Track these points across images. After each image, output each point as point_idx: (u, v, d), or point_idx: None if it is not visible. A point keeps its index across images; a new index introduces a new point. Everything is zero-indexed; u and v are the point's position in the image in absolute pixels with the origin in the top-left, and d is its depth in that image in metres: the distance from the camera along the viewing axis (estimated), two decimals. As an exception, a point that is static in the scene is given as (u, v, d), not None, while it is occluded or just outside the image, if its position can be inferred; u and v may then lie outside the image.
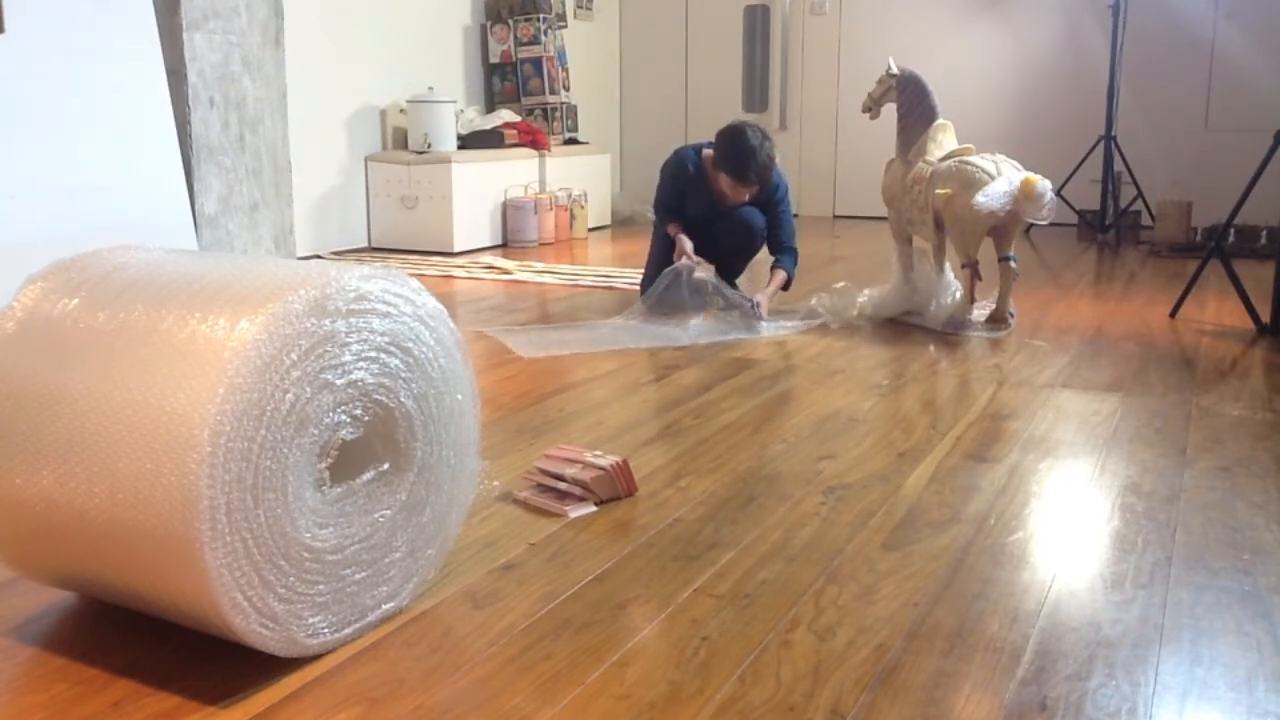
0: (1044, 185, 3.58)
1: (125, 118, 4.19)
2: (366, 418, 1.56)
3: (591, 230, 6.71)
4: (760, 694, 1.45)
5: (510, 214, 6.06)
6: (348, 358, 1.50)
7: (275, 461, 1.43)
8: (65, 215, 3.94)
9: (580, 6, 7.49)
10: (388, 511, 1.62)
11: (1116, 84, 6.23)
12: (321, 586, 1.51)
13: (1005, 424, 2.71)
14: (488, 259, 5.50)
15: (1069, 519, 2.11)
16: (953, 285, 3.88)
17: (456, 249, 5.74)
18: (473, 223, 5.87)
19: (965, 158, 3.73)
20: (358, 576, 1.57)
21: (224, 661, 1.51)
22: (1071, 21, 6.83)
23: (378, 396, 1.56)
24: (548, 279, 4.99)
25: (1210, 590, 1.77)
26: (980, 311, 3.86)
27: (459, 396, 1.71)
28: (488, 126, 6.18)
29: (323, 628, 1.53)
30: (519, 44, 6.61)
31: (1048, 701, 1.44)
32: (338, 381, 1.49)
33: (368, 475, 1.59)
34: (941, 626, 1.64)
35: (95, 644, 1.58)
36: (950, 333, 3.74)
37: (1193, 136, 6.58)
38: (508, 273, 5.12)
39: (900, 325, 3.88)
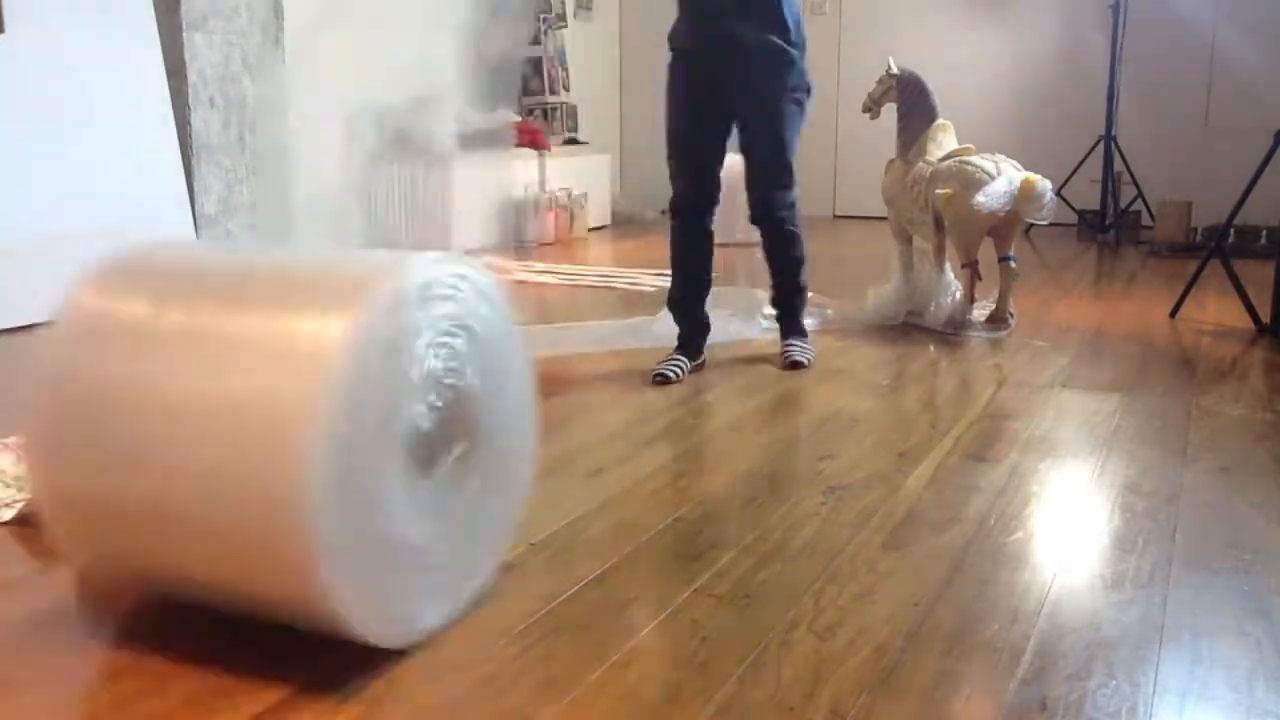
0: (1044, 185, 3.58)
1: (125, 118, 4.19)
2: (441, 403, 1.58)
3: (591, 230, 6.71)
4: (760, 694, 1.45)
5: (510, 214, 6.06)
6: (422, 347, 1.52)
7: (373, 455, 1.45)
8: (65, 215, 3.94)
9: (580, 6, 7.49)
10: (469, 492, 1.66)
11: (1116, 84, 6.23)
12: (420, 573, 1.55)
13: (1005, 424, 2.71)
14: (488, 259, 5.50)
15: (1069, 519, 2.11)
16: (953, 285, 3.88)
17: (456, 249, 5.74)
18: (472, 223, 5.87)
19: (965, 158, 3.73)
20: (449, 558, 1.61)
21: (223, 662, 1.51)
22: (1071, 21, 6.83)
23: (450, 380, 1.59)
24: (548, 279, 4.99)
25: (1210, 590, 1.77)
26: (980, 311, 3.86)
27: (516, 368, 1.78)
28: (488, 127, 6.18)
29: (425, 612, 1.57)
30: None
31: (1048, 702, 1.44)
32: (418, 369, 1.52)
33: (450, 458, 1.62)
34: (941, 627, 1.64)
35: (93, 645, 1.58)
36: (950, 333, 3.74)
37: (1193, 136, 6.58)
38: (508, 273, 5.12)
39: (900, 325, 3.88)
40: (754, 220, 3.25)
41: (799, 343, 3.33)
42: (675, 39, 3.18)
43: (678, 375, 3.08)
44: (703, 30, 3.10)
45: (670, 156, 3.17)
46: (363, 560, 1.44)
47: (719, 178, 3.18)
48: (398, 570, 1.51)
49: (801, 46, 3.15)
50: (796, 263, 3.29)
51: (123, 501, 1.48)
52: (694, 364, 3.19)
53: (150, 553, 1.52)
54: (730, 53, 3.07)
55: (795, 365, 3.23)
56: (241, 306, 1.48)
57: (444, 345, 1.57)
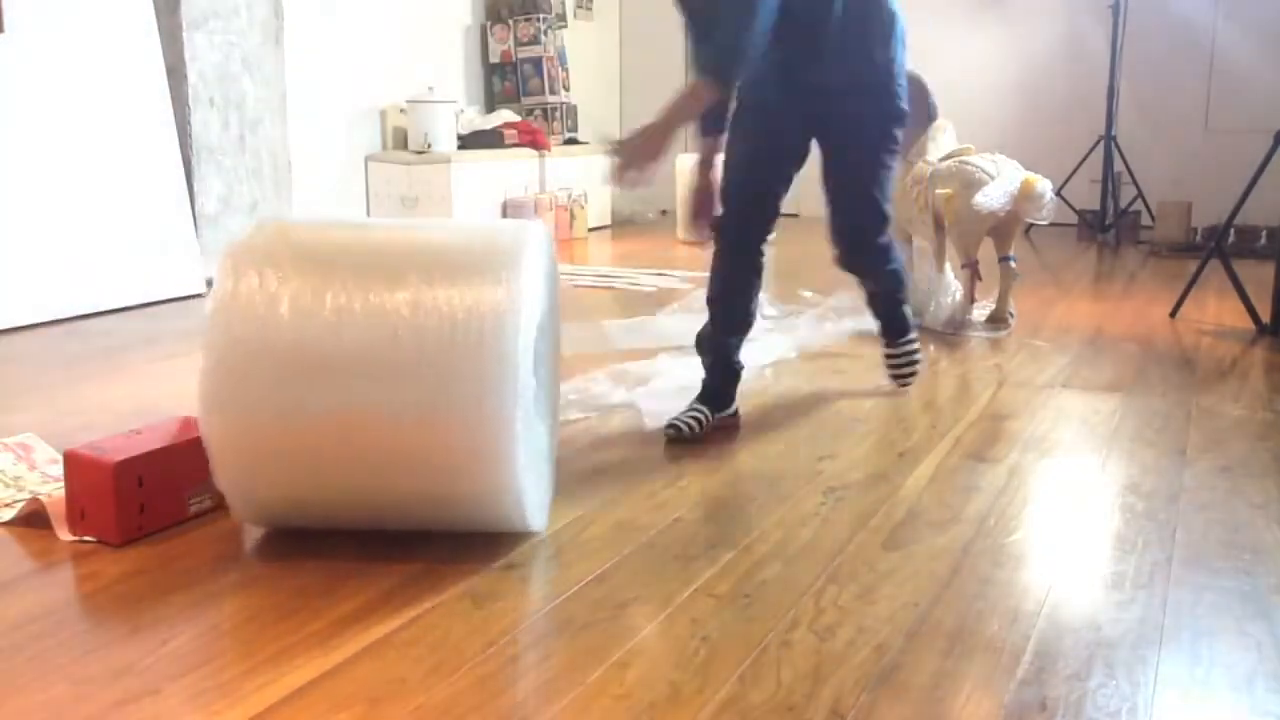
0: (1044, 185, 3.58)
1: (125, 118, 4.19)
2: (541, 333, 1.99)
3: (591, 230, 6.71)
4: (760, 694, 1.45)
5: (510, 214, 6.06)
6: (544, 283, 1.99)
7: (528, 369, 1.81)
8: (65, 215, 3.94)
9: (580, 6, 7.49)
10: (545, 398, 2.11)
11: (1116, 84, 6.23)
12: (545, 464, 2.07)
13: (1005, 424, 2.71)
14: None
15: (1069, 519, 2.11)
16: (953, 285, 3.88)
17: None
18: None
19: (965, 158, 3.74)
20: (549, 451, 2.17)
21: (223, 662, 1.51)
22: (1071, 21, 6.83)
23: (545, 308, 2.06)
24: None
25: (1210, 590, 1.77)
26: (980, 311, 3.86)
27: (556, 304, 2.22)
28: (488, 126, 6.18)
29: (545, 500, 2.04)
30: (519, 44, 6.61)
31: (1048, 701, 1.44)
32: (542, 303, 1.98)
33: (541, 370, 2.02)
34: (941, 626, 1.64)
35: (93, 645, 1.58)
36: (950, 333, 3.74)
37: (1193, 136, 6.58)
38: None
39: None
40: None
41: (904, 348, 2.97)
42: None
43: (693, 430, 2.55)
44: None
45: (728, 172, 2.64)
46: (530, 458, 1.84)
47: (779, 205, 2.68)
48: (540, 465, 1.97)
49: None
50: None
51: (337, 427, 1.76)
52: (720, 414, 2.65)
53: (350, 480, 1.80)
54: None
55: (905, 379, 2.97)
56: (419, 274, 1.82)
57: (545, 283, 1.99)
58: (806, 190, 2.76)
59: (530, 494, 1.84)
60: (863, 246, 2.75)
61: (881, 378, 3.02)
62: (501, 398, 1.73)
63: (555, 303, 2.17)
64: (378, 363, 1.74)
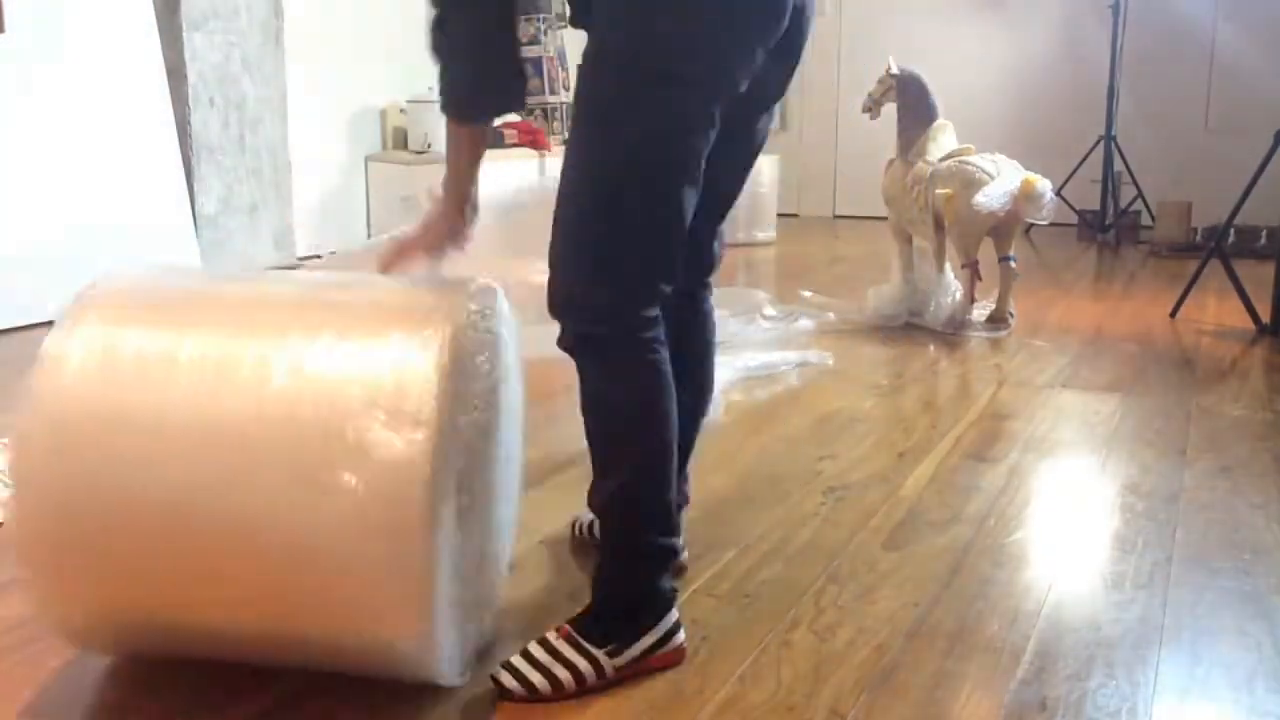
0: (1044, 185, 3.58)
1: (125, 118, 4.19)
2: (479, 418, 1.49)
3: (591, 230, 6.71)
4: (760, 694, 1.45)
5: (510, 214, 6.06)
6: (475, 364, 1.46)
7: (451, 476, 1.35)
8: (65, 215, 3.94)
9: (580, 6, 7.49)
10: (486, 514, 1.55)
11: (1116, 84, 6.23)
12: (470, 605, 1.48)
13: (1005, 424, 2.71)
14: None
15: (1069, 519, 2.11)
16: (953, 285, 3.87)
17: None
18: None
19: (965, 158, 3.73)
20: (481, 584, 1.54)
21: (218, 667, 1.51)
22: (1071, 21, 6.82)
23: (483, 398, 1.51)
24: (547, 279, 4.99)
25: (1210, 590, 1.77)
26: (980, 311, 3.86)
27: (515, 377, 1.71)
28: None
29: (465, 645, 1.48)
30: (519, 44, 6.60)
31: (1048, 701, 1.44)
32: (474, 385, 1.45)
33: (489, 472, 1.54)
34: (941, 626, 1.64)
35: (77, 654, 1.58)
36: (950, 333, 3.74)
37: (1193, 136, 6.58)
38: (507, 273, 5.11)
39: (900, 325, 3.87)
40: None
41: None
42: None
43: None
44: None
45: None
46: (450, 592, 1.36)
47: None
48: (462, 601, 1.42)
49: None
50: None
51: (152, 539, 1.32)
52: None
53: (182, 598, 1.36)
54: None
55: None
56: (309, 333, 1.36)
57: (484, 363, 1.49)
58: (807, 190, 2.75)
59: (450, 642, 1.39)
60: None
61: (882, 378, 3.02)
62: (411, 517, 1.27)
63: (511, 365, 1.67)
64: (236, 446, 1.30)
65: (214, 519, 1.29)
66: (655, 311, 1.50)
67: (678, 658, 1.52)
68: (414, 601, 1.29)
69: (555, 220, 1.53)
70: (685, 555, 1.79)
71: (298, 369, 1.32)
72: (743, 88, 1.48)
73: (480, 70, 1.53)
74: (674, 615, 1.53)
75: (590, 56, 1.47)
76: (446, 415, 1.30)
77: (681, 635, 1.53)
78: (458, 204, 1.69)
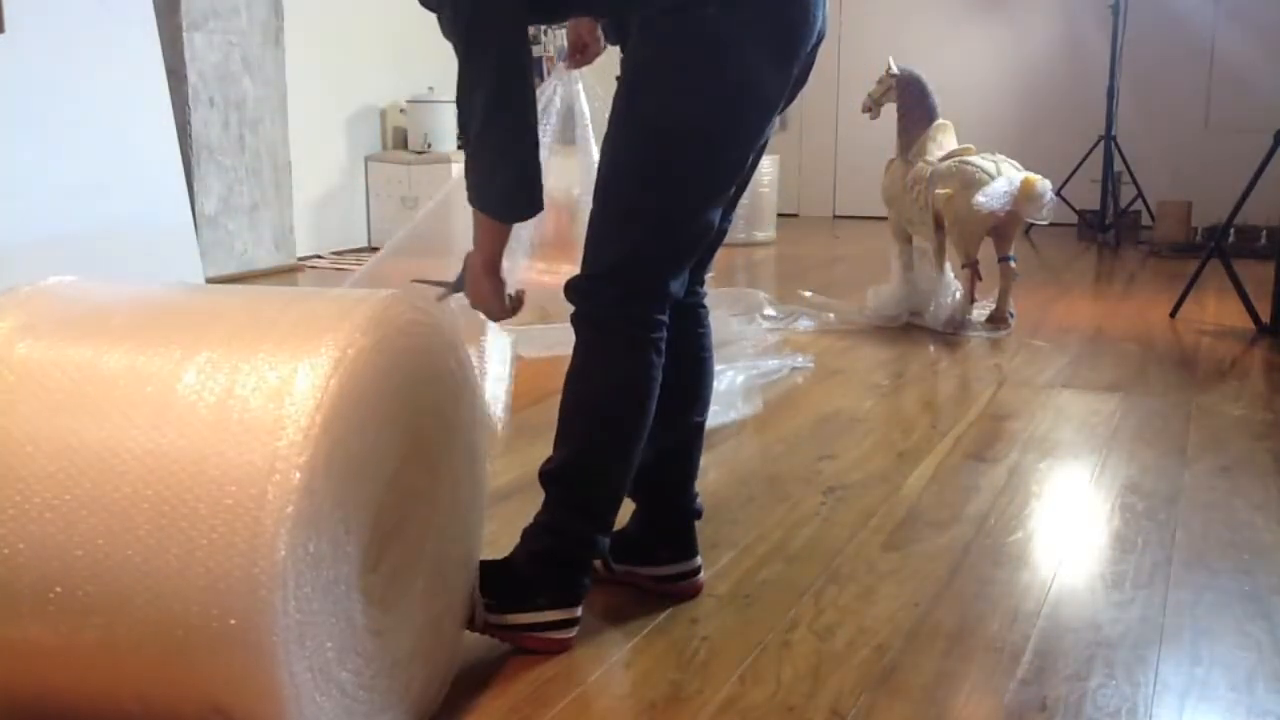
0: (1044, 185, 3.58)
1: (125, 118, 4.19)
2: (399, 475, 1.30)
3: (591, 230, 6.71)
4: (760, 694, 1.45)
5: (510, 214, 6.06)
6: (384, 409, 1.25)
7: (336, 546, 1.16)
8: (65, 215, 3.94)
9: (580, 6, 7.49)
10: (420, 580, 1.36)
11: (1116, 84, 6.23)
12: (381, 679, 1.26)
13: (1005, 424, 2.71)
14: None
15: (1069, 519, 2.11)
16: (953, 285, 3.87)
17: (457, 249, 5.74)
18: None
19: (965, 158, 3.74)
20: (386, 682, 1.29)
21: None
22: (1071, 21, 6.82)
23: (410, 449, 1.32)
24: (548, 279, 4.99)
25: (1210, 590, 1.77)
26: (980, 311, 3.86)
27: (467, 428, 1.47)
28: (488, 126, 6.18)
29: None
30: (519, 44, 6.60)
31: (1048, 701, 1.44)
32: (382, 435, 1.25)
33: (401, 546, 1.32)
34: (941, 626, 1.64)
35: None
36: (950, 333, 3.74)
37: (1193, 136, 6.58)
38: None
39: (900, 325, 3.87)
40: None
41: None
42: None
43: None
44: None
45: None
46: (319, 682, 1.14)
47: None
48: (358, 684, 1.21)
49: None
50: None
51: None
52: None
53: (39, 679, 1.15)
54: None
55: None
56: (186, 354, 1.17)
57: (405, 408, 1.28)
58: (807, 190, 2.75)
59: None
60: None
61: (882, 378, 3.03)
62: (256, 572, 1.05)
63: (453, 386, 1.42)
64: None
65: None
66: (664, 315, 1.54)
67: (554, 647, 1.54)
68: (256, 674, 1.07)
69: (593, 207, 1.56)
70: (695, 567, 1.76)
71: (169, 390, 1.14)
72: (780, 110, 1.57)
73: (522, 175, 1.53)
74: (574, 612, 1.55)
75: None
76: (325, 447, 1.10)
77: (571, 632, 1.55)
78: (495, 286, 1.69)
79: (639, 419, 1.54)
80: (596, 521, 1.56)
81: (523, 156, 1.51)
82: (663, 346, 1.54)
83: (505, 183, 1.54)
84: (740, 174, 1.58)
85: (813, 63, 1.62)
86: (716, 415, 2.46)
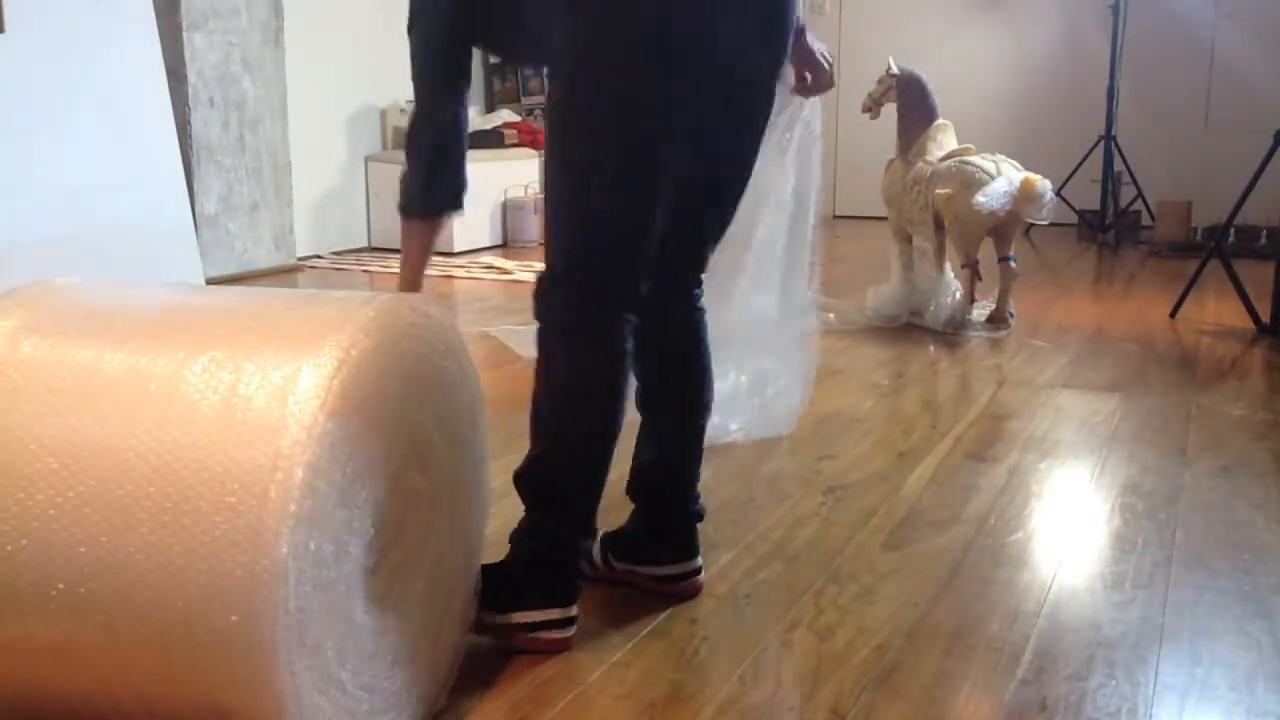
0: (1044, 185, 3.58)
1: (125, 118, 4.19)
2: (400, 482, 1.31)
3: (591, 230, 6.71)
4: (760, 694, 1.45)
5: (510, 214, 6.06)
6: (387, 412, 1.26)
7: (337, 547, 1.17)
8: (65, 215, 3.94)
9: (580, 6, 7.49)
10: (422, 581, 1.36)
11: (1116, 84, 6.23)
12: (381, 679, 1.27)
13: (1005, 424, 2.71)
14: (487, 259, 5.49)
15: (1069, 519, 2.11)
16: (953, 285, 3.87)
17: (456, 249, 5.73)
18: (472, 223, 5.87)
19: (965, 158, 3.73)
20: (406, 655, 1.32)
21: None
22: (1071, 21, 6.82)
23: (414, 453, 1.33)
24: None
25: (1210, 590, 1.77)
26: (980, 311, 3.86)
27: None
28: (488, 126, 6.18)
29: None
30: (519, 44, 6.61)
31: (1048, 701, 1.44)
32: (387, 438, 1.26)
33: (401, 548, 1.32)
34: (941, 626, 1.64)
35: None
36: (950, 333, 3.74)
37: (1193, 136, 6.58)
38: (508, 273, 5.12)
39: (900, 325, 3.87)
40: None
41: None
42: None
43: None
44: None
45: None
46: (331, 669, 1.16)
47: None
48: (357, 683, 1.21)
49: None
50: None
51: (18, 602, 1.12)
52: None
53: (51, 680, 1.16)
54: None
55: None
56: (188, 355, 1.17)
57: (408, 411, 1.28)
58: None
59: None
60: None
61: (882, 378, 3.03)
62: (259, 571, 1.06)
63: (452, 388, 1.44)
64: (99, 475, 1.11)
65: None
66: (624, 313, 1.54)
67: (551, 647, 1.55)
68: (256, 673, 1.07)
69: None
70: (696, 567, 1.76)
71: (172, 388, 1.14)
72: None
73: (432, 176, 1.74)
74: (569, 612, 1.56)
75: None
76: (328, 446, 1.12)
77: (568, 632, 1.56)
78: (413, 286, 1.84)
79: (600, 419, 1.54)
80: (571, 522, 1.57)
81: (428, 159, 1.72)
82: (625, 346, 1.54)
83: (416, 181, 1.74)
84: (649, 162, 1.50)
85: (780, 49, 1.60)
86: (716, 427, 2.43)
